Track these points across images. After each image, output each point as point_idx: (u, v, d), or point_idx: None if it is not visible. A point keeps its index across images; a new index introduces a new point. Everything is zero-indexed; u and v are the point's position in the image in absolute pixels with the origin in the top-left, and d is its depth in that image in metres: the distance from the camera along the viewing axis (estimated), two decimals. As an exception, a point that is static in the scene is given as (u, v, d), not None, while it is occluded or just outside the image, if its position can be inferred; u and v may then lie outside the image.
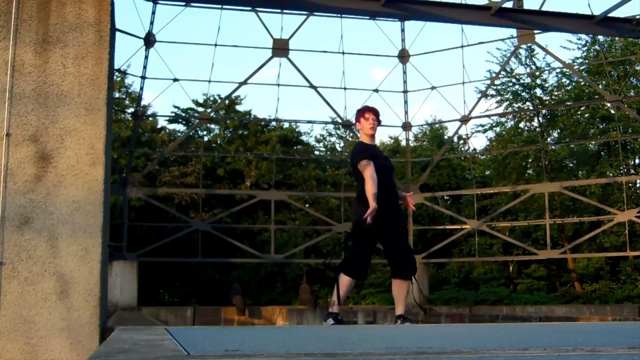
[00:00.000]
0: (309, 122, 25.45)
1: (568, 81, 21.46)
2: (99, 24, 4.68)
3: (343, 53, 17.93)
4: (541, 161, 18.98)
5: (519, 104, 21.65)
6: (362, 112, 5.88)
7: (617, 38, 19.52)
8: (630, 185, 20.14)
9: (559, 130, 21.85)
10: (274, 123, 23.14)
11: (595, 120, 21.07)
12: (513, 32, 17.35)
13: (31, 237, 4.33)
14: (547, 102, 21.90)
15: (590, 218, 18.55)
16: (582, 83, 20.59)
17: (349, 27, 54.88)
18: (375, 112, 5.86)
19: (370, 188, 5.39)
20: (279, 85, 17.75)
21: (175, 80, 17.12)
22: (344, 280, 5.59)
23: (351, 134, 22.55)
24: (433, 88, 18.06)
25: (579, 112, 21.30)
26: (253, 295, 21.36)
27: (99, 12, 4.69)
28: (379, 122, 5.86)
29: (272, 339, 3.23)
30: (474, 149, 25.00)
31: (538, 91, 21.86)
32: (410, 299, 6.05)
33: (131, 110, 19.99)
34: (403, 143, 20.78)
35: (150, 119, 23.26)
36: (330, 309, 5.61)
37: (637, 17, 8.63)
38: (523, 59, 21.03)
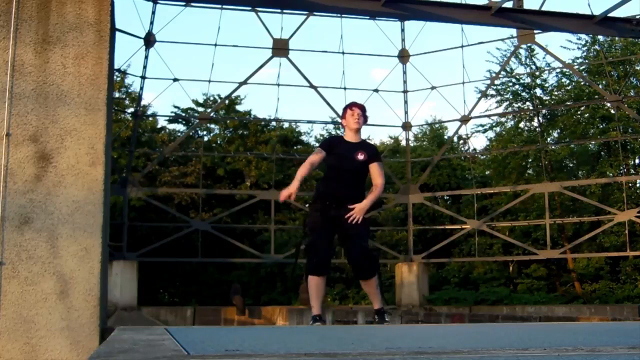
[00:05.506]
0: (309, 122, 25.53)
1: (568, 81, 21.46)
2: (99, 24, 4.68)
3: (343, 53, 17.94)
4: (541, 161, 18.97)
5: (519, 104, 21.64)
6: (350, 106, 5.74)
7: (617, 38, 19.50)
8: (630, 185, 20.14)
9: (559, 130, 21.85)
10: (274, 123, 23.15)
11: (595, 120, 21.06)
12: (513, 32, 17.35)
13: (31, 237, 4.33)
14: (547, 102, 21.89)
15: (590, 218, 18.53)
16: (582, 83, 20.58)
17: (349, 27, 54.94)
18: (362, 108, 5.72)
19: (300, 169, 5.55)
20: (279, 85, 17.78)
21: (175, 80, 17.13)
22: (311, 282, 5.61)
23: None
24: (433, 88, 18.05)
25: (579, 112, 21.29)
26: (253, 295, 21.36)
27: (99, 12, 4.69)
28: (365, 119, 5.70)
29: (272, 339, 3.23)
30: (474, 149, 25.01)
31: (538, 91, 21.86)
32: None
33: (131, 110, 19.98)
34: (403, 143, 20.76)
35: (150, 119, 23.29)
36: (312, 312, 5.65)
37: (637, 17, 8.62)
38: (523, 59, 21.02)
